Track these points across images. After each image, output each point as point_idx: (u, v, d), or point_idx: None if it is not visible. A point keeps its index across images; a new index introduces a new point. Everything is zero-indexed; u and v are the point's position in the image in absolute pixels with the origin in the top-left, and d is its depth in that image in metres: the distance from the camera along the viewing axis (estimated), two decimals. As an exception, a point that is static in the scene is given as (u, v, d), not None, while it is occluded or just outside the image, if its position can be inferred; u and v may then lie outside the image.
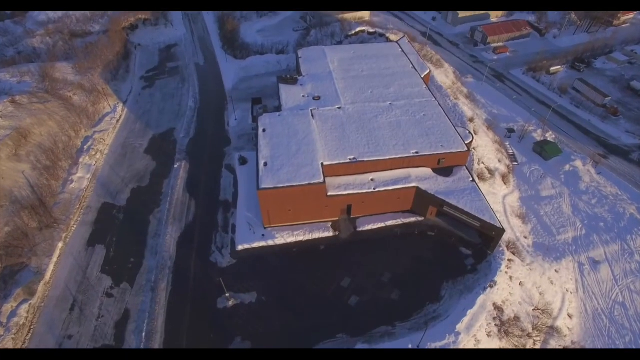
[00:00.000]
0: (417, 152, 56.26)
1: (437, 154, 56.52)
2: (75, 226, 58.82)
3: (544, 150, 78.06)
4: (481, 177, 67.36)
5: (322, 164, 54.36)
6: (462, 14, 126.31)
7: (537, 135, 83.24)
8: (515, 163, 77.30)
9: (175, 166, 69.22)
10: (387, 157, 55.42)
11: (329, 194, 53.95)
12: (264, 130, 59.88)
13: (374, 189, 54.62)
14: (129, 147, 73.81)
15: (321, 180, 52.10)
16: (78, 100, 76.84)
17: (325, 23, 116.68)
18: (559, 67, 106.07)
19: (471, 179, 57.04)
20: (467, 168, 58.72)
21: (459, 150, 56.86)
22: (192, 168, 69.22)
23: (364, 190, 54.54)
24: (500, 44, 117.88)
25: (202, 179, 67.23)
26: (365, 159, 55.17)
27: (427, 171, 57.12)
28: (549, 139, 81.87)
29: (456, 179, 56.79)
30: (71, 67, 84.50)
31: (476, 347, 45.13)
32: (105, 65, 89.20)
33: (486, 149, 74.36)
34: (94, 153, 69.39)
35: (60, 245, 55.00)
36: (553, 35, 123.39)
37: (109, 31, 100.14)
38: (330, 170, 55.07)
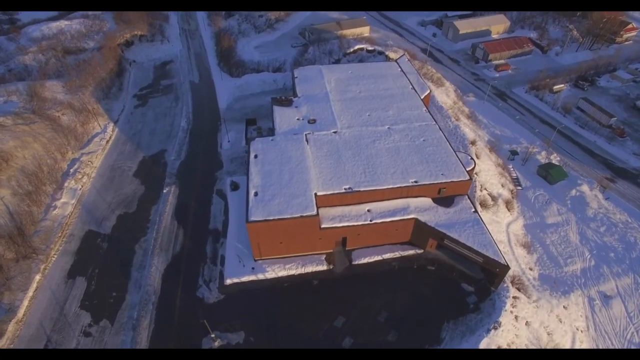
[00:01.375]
0: (416, 182, 53.35)
1: (438, 183, 53.58)
2: (55, 256, 55.83)
3: (548, 174, 75.10)
4: (484, 204, 64.36)
5: (315, 194, 51.46)
6: (462, 30, 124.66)
7: (542, 158, 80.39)
8: (519, 187, 74.27)
9: (165, 191, 66.45)
10: (385, 187, 52.49)
11: (322, 226, 50.93)
12: (255, 157, 57.15)
13: (371, 220, 51.59)
14: (117, 169, 71.14)
15: (314, 212, 49.14)
16: (67, 120, 74.48)
17: (324, 39, 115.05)
18: (562, 85, 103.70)
19: (473, 209, 53.99)
20: (469, 197, 55.71)
21: (461, 180, 53.92)
22: (181, 193, 66.39)
23: (359, 222, 51.51)
24: (502, 61, 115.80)
25: (192, 206, 64.36)
26: (362, 189, 52.26)
27: (426, 201, 54.12)
28: (553, 162, 78.96)
29: (457, 209, 53.74)
30: (62, 85, 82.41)
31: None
32: (97, 83, 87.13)
33: (489, 174, 71.45)
34: (80, 176, 66.71)
35: (37, 277, 51.93)
36: (555, 52, 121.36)
37: (103, 48, 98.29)
38: (324, 201, 52.14)
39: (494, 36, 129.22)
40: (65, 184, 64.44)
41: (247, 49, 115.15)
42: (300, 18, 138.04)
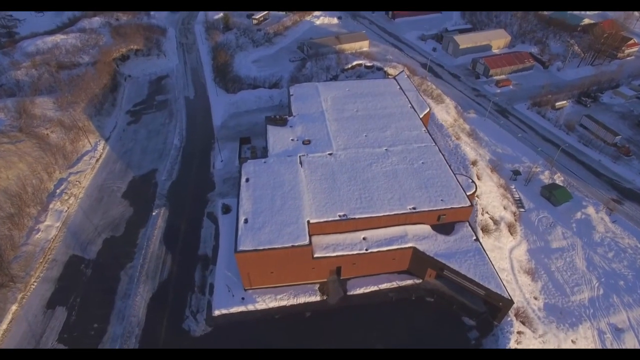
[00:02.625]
0: (414, 208, 50.81)
1: (437, 210, 51.02)
2: (35, 284, 53.15)
3: (552, 195, 72.49)
4: (485, 229, 61.65)
5: (308, 221, 48.94)
6: (463, 45, 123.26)
7: (545, 178, 77.87)
8: (522, 209, 71.61)
9: (154, 213, 63.97)
10: (381, 214, 49.95)
11: (315, 255, 48.32)
12: (247, 180, 54.80)
13: (366, 249, 48.97)
14: (106, 190, 68.78)
15: (306, 242, 46.57)
16: (55, 138, 72.40)
17: (322, 54, 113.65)
18: (565, 102, 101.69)
19: (474, 237, 51.33)
20: (469, 224, 53.08)
21: (461, 206, 51.36)
22: (171, 216, 63.88)
23: (354, 251, 48.90)
24: (503, 76, 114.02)
25: (182, 229, 61.80)
26: (357, 216, 49.71)
27: (425, 228, 51.51)
28: (557, 182, 76.45)
29: (458, 237, 51.09)
30: (52, 101, 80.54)
31: None
32: (90, 99, 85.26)
33: (490, 196, 68.90)
34: (66, 197, 64.35)
35: (13, 308, 49.23)
36: (557, 67, 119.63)
37: (97, 62, 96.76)
38: (317, 229, 49.60)
39: (495, 51, 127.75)
40: (51, 206, 62.07)
41: (244, 63, 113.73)
42: (299, 32, 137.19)
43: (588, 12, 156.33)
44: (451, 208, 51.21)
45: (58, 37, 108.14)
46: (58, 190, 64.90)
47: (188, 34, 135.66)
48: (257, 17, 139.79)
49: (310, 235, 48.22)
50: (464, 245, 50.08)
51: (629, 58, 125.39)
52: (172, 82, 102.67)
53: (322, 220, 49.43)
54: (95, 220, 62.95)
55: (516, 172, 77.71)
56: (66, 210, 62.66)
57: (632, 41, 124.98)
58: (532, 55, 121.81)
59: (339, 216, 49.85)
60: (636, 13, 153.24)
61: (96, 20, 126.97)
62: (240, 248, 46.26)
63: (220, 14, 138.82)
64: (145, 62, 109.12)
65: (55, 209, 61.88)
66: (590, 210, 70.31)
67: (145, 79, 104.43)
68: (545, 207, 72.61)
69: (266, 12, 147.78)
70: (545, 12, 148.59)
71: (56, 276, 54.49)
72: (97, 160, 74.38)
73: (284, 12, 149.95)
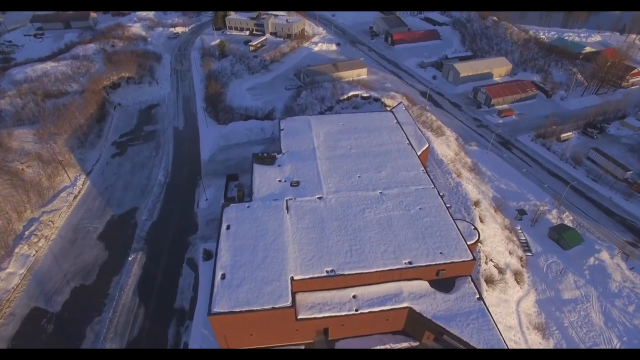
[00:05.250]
0: (410, 263, 45.74)
1: (436, 264, 45.92)
2: (-13, 344, 47.91)
3: (561, 237, 67.32)
4: (490, 280, 56.39)
5: (292, 278, 43.89)
6: (463, 73, 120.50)
7: (553, 217, 72.85)
8: (529, 254, 66.38)
9: (130, 258, 59.07)
10: (374, 270, 44.87)
11: (299, 317, 43.04)
12: (227, 227, 50.04)
13: (356, 310, 43.66)
14: (81, 230, 64.11)
15: (288, 303, 41.38)
16: (31, 173, 68.33)
17: (319, 82, 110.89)
18: (570, 133, 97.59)
19: (478, 295, 45.98)
20: (472, 280, 47.82)
21: (463, 260, 46.26)
22: (148, 262, 58.92)
23: (343, 312, 43.58)
24: (505, 106, 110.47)
25: (158, 278, 56.74)
26: (347, 272, 44.65)
27: (422, 285, 46.28)
28: (566, 222, 71.37)
29: (459, 296, 45.77)
30: (33, 133, 76.95)
31: None
32: (73, 130, 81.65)
33: (494, 240, 63.82)
34: (35, 240, 59.62)
35: (-40, 375, 43.71)
36: (560, 96, 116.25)
37: (86, 91, 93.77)
38: (302, 286, 44.50)
39: (496, 79, 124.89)
40: (17, 250, 57.28)
41: (239, 91, 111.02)
42: (296, 59, 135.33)
43: (589, 40, 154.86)
44: (451, 262, 46.09)
45: (48, 65, 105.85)
46: (27, 232, 60.24)
47: (184, 60, 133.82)
48: (254, 43, 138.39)
49: (294, 294, 43.15)
50: (465, 306, 44.71)
51: (633, 87, 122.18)
52: (163, 111, 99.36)
53: (307, 276, 44.36)
54: (66, 265, 58.01)
55: (521, 212, 72.74)
56: (34, 255, 57.83)
57: (636, 70, 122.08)
58: (535, 84, 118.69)
59: (327, 272, 44.78)
60: (638, 41, 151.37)
61: (91, 47, 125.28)
62: (215, 310, 41.09)
63: (217, 41, 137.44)
64: (137, 90, 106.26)
65: (21, 254, 57.07)
66: (604, 255, 64.97)
67: (135, 107, 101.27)
68: (554, 250, 67.33)
69: (264, 38, 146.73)
70: (546, 40, 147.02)
71: (11, 334, 49.00)
72: (75, 197, 69.99)
73: (282, 38, 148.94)
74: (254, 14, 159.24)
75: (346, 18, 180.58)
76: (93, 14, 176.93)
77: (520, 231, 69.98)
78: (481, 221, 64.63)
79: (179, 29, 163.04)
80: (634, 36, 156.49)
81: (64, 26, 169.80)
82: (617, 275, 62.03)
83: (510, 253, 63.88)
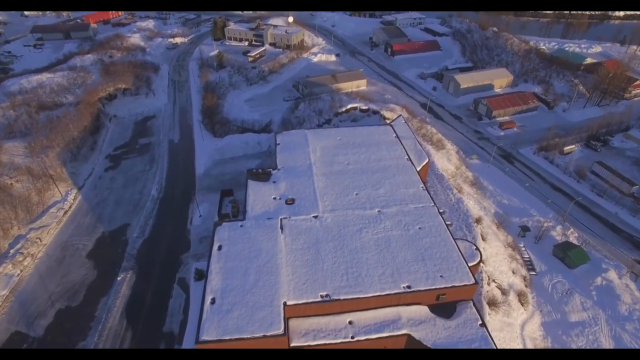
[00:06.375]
0: (409, 287, 43.57)
1: (436, 289, 43.74)
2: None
3: (567, 256, 64.96)
4: (492, 302, 54.06)
5: (285, 303, 41.74)
6: (464, 85, 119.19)
7: (557, 234, 70.55)
8: (533, 273, 63.98)
9: (119, 278, 56.93)
10: (371, 295, 42.71)
11: (292, 344, 40.81)
12: (219, 248, 48.04)
13: (352, 337, 41.44)
14: (70, 248, 62.05)
15: (280, 330, 39.20)
16: (20, 188, 66.57)
17: (317, 93, 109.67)
18: (573, 146, 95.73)
19: (480, 322, 43.69)
20: (474, 304, 45.56)
21: (464, 284, 44.08)
22: (138, 282, 56.75)
23: (338, 339, 41.37)
24: (507, 118, 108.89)
25: (148, 299, 54.51)
26: (342, 297, 42.48)
27: (422, 311, 44.07)
28: (571, 240, 69.05)
29: (460, 322, 43.52)
30: (24, 146, 75.37)
31: None
32: (66, 143, 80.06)
33: (497, 259, 61.57)
34: (21, 259, 57.57)
35: None
36: (562, 108, 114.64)
37: (80, 103, 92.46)
38: (295, 311, 42.35)
39: (497, 90, 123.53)
40: (0, 269, 55.17)
41: (236, 103, 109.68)
42: (295, 69, 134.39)
43: (590, 51, 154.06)
44: (452, 287, 43.91)
45: (44, 76, 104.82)
46: (12, 250, 58.20)
47: (182, 70, 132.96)
48: (253, 54, 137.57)
49: (286, 320, 41.02)
50: (467, 333, 42.42)
51: (636, 99, 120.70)
52: (159, 123, 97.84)
53: (301, 301, 42.20)
54: (52, 286, 55.84)
55: (525, 229, 70.50)
56: (18, 274, 55.73)
57: (638, 82, 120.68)
58: (536, 96, 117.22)
59: (321, 297, 42.62)
60: (639, 53, 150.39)
61: (88, 58, 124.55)
62: (202, 338, 38.93)
63: (215, 51, 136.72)
64: (133, 102, 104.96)
65: (4, 274, 54.98)
66: (612, 274, 62.54)
67: (131, 119, 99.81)
68: (559, 269, 64.90)
69: (263, 49, 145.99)
70: (547, 51, 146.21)
71: (-9, 360, 46.76)
72: (66, 213, 68.09)
73: (281, 49, 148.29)
74: (253, 24, 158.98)
75: (346, 29, 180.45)
76: (93, 25, 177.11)
77: (523, 249, 67.66)
78: (483, 239, 62.46)
79: (178, 40, 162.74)
80: (634, 47, 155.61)
81: (63, 37, 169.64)
82: (626, 296, 59.53)
83: (513, 272, 61.58)
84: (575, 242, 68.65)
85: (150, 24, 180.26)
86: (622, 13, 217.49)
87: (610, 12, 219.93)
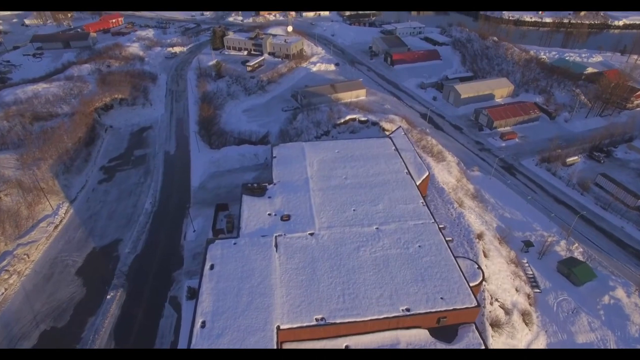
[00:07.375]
0: (408, 310, 41.60)
1: (436, 311, 41.75)
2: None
3: (572, 272, 62.88)
4: (496, 323, 51.85)
5: (278, 327, 39.75)
6: (464, 94, 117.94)
7: (561, 249, 68.58)
8: (537, 290, 61.84)
9: (109, 297, 54.96)
10: (368, 318, 40.73)
11: (285, 372, 38.68)
12: (211, 267, 46.17)
13: (349, 364, 39.32)
14: (59, 264, 60.18)
15: (273, 358, 37.11)
16: (9, 202, 64.92)
17: (316, 103, 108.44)
18: (576, 157, 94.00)
19: (483, 346, 41.60)
20: (476, 327, 43.51)
21: (466, 307, 42.08)
22: (128, 300, 54.78)
23: (335, 366, 39.24)
24: (508, 128, 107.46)
25: (138, 319, 52.49)
26: (338, 321, 40.50)
27: (422, 335, 42.01)
28: (576, 256, 67.02)
29: (462, 346, 41.43)
30: (16, 158, 73.90)
31: None
32: (59, 155, 78.55)
33: (500, 276, 59.47)
34: (6, 277, 55.65)
35: None
36: (564, 118, 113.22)
37: (76, 113, 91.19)
38: (289, 335, 40.34)
39: (498, 100, 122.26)
40: (-15, 289, 53.42)
41: (234, 113, 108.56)
42: (294, 79, 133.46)
43: (590, 61, 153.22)
44: (453, 310, 41.92)
45: (40, 86, 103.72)
46: (-1, 268, 56.43)
47: (180, 80, 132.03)
48: (251, 63, 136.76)
49: (280, 345, 39.05)
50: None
51: (638, 109, 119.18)
52: (155, 134, 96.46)
53: (295, 325, 40.22)
54: (38, 305, 53.87)
55: (528, 244, 68.51)
56: (2, 293, 53.81)
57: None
58: (538, 106, 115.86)
59: (316, 320, 40.65)
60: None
61: (86, 67, 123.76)
62: (191, 365, 36.86)
63: (214, 61, 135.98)
64: (130, 112, 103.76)
65: (-11, 293, 53.16)
66: (620, 293, 60.42)
67: (127, 130, 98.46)
68: (565, 286, 62.78)
69: (262, 58, 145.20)
70: (547, 60, 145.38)
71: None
72: (56, 227, 66.33)
73: (280, 59, 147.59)
74: (252, 33, 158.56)
75: (345, 38, 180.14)
76: (93, 34, 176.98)
77: (527, 265, 65.63)
78: (485, 256, 60.46)
79: (177, 49, 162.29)
80: (635, 57, 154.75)
81: (63, 46, 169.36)
82: (636, 316, 57.32)
83: (517, 290, 59.43)
84: (580, 257, 66.68)
85: (150, 33, 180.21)
86: (621, 22, 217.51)
87: (610, 21, 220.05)
